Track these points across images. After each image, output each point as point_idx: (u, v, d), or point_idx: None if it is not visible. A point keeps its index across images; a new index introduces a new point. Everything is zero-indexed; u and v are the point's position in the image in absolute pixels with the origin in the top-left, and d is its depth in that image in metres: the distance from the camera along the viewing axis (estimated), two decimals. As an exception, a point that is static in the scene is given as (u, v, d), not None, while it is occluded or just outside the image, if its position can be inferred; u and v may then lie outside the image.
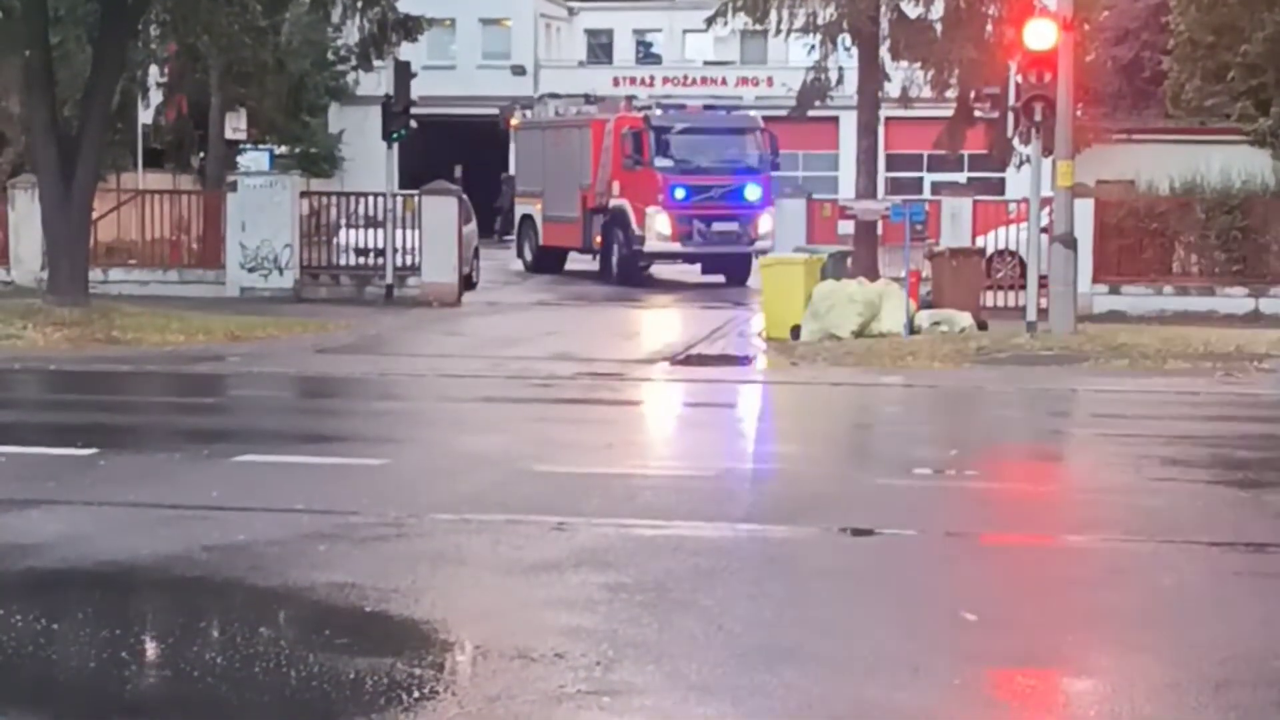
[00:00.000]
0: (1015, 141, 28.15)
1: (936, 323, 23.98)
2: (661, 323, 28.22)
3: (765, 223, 34.64)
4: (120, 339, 22.72)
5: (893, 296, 23.89)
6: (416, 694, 6.93)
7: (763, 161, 36.08)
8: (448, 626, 8.12)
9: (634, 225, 35.30)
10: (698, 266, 37.26)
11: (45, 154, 25.67)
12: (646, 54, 64.39)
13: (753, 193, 35.35)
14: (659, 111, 36.64)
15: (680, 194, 35.01)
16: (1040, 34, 22.40)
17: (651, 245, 35.32)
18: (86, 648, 7.86)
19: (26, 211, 29.54)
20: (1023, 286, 25.12)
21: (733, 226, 35.38)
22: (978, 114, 32.57)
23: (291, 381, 19.95)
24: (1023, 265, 25.99)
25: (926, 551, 10.22)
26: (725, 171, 35.74)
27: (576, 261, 38.54)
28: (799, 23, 32.15)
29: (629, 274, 35.49)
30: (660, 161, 35.21)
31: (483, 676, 7.33)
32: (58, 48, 29.19)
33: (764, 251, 32.50)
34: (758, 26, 34.87)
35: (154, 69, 36.25)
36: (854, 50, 32.42)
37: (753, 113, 37.91)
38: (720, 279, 35.89)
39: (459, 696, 6.97)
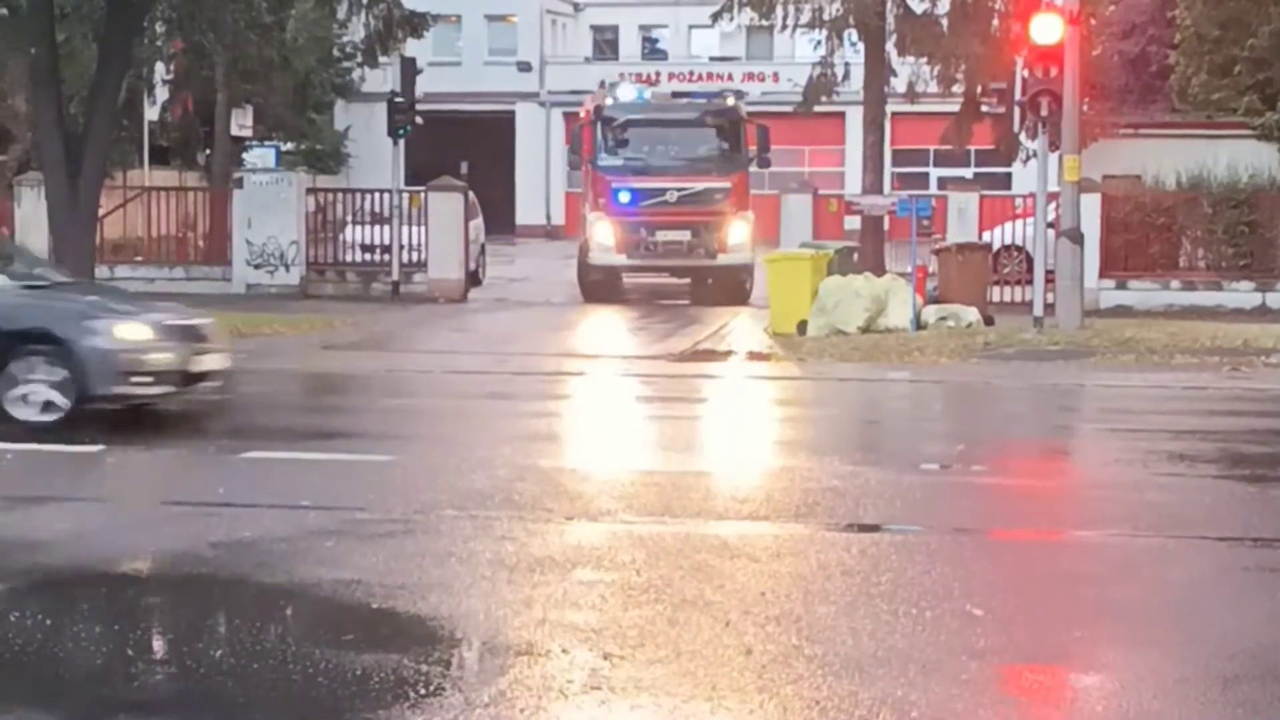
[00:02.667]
0: (1022, 136, 28.07)
1: (943, 318, 23.97)
2: (667, 320, 28.17)
3: (736, 232, 30.04)
4: (127, 336, 22.70)
5: (899, 292, 23.89)
6: (423, 690, 6.92)
7: (740, 158, 30.73)
8: (454, 623, 8.11)
9: (588, 233, 31.12)
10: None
11: (51, 151, 25.68)
12: (652, 50, 64.34)
13: (718, 196, 30.08)
14: (610, 101, 31.32)
15: (625, 197, 29.97)
16: (1046, 28, 22.38)
17: (596, 257, 30.41)
18: (93, 645, 7.86)
19: (33, 209, 29.55)
20: (1029, 281, 25.09)
21: (683, 236, 30.02)
22: (984, 109, 32.51)
23: (298, 378, 19.95)
24: (1029, 260, 25.96)
25: (934, 547, 10.19)
26: (684, 170, 30.42)
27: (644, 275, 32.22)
28: (805, 18, 32.07)
29: (584, 289, 30.85)
30: (605, 159, 30.55)
31: (489, 673, 7.32)
32: (64, 45, 29.22)
33: (734, 266, 29.88)
34: (764, 22, 34.54)
35: (160, 66, 36.29)
36: (860, 45, 32.38)
37: (732, 100, 31.71)
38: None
39: (465, 693, 6.96)
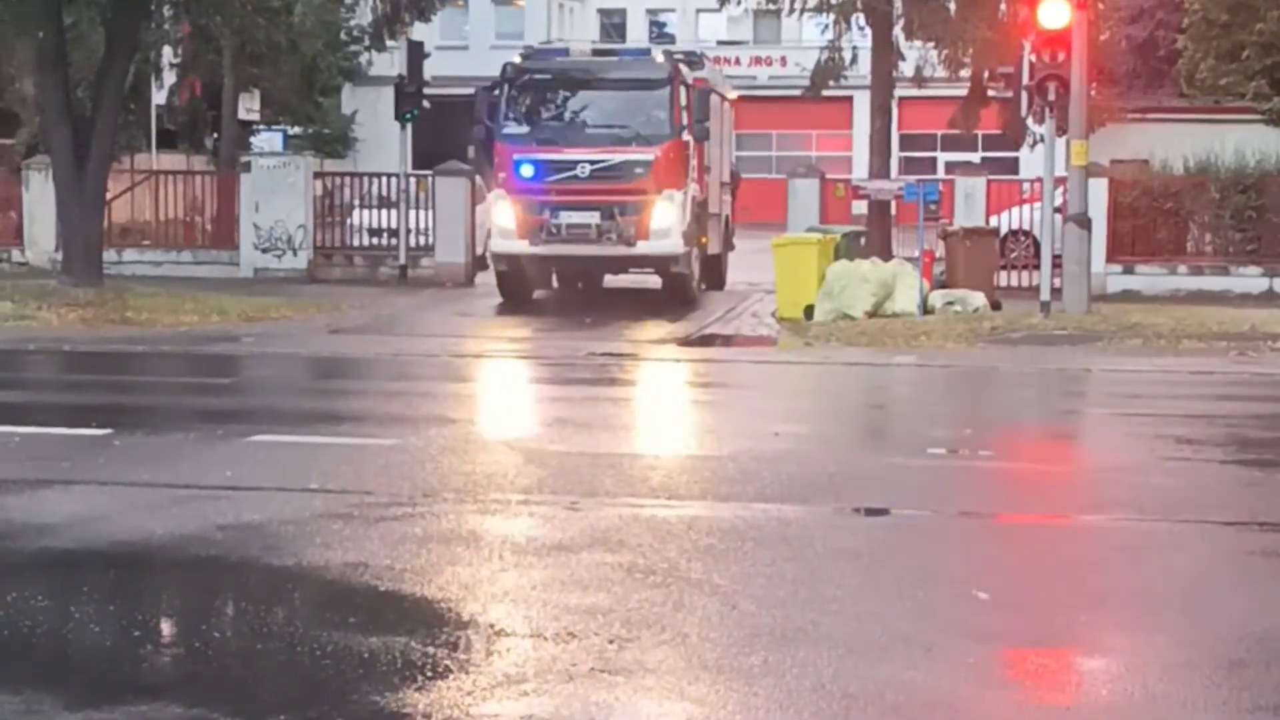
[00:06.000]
0: (1029, 121, 28.04)
1: (950, 303, 23.97)
2: (675, 304, 28.17)
3: (662, 214, 25.01)
4: (134, 320, 22.76)
5: (906, 276, 23.88)
6: (429, 673, 6.94)
7: (673, 126, 25.37)
8: (460, 606, 8.12)
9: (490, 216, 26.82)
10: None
11: (59, 135, 25.73)
12: (660, 34, 64.30)
13: (640, 170, 25.05)
14: (518, 59, 26.81)
15: (528, 171, 25.14)
16: (1054, 13, 22.35)
17: (497, 244, 25.99)
18: (100, 627, 7.87)
19: (40, 193, 29.61)
20: (1036, 266, 25.08)
21: (591, 219, 25.02)
22: (992, 93, 32.51)
23: (305, 362, 19.98)
24: (1036, 245, 25.96)
25: (940, 531, 10.21)
26: (601, 140, 25.29)
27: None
28: (812, 2, 32.00)
29: (497, 283, 26.54)
30: (509, 128, 25.71)
31: (496, 655, 7.33)
32: (71, 29, 29.23)
33: (658, 256, 25.36)
34: (771, 6, 34.50)
35: (167, 50, 36.28)
36: (868, 30, 32.33)
37: (661, 58, 26.61)
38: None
39: (472, 675, 6.98)
